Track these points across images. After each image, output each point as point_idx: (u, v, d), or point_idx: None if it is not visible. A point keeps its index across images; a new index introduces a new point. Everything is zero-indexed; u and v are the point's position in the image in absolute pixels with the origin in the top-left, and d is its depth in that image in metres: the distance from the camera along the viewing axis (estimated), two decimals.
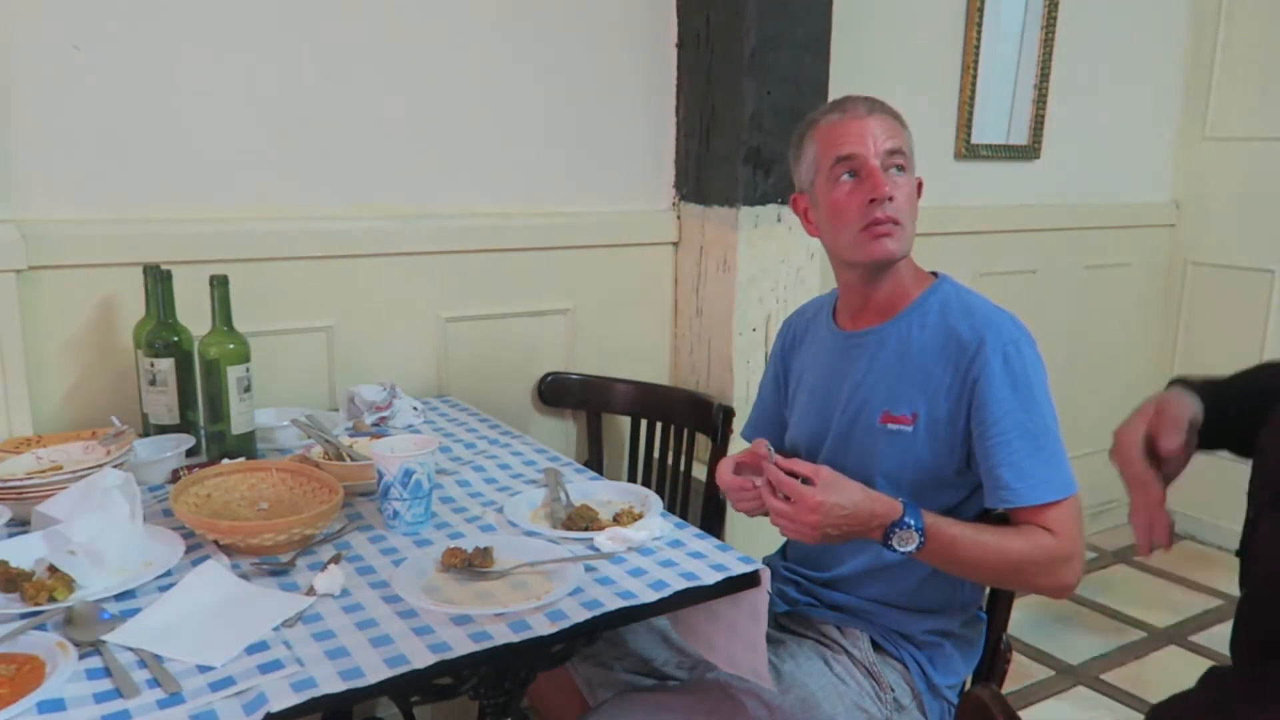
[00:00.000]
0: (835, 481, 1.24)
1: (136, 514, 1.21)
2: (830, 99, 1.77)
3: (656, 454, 2.10)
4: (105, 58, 1.66)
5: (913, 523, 1.24)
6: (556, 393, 2.21)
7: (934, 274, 1.45)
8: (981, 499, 1.33)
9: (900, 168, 1.36)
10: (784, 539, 1.64)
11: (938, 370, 1.35)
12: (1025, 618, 2.82)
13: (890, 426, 1.37)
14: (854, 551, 1.43)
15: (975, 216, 2.89)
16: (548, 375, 2.21)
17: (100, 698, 0.94)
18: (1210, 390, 1.12)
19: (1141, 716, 2.53)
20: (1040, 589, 1.31)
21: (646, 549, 1.30)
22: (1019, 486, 1.28)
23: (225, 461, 1.50)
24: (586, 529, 1.34)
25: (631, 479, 2.12)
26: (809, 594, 1.51)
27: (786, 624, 1.48)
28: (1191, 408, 1.09)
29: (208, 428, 1.61)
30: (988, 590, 1.50)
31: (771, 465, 1.27)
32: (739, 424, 1.99)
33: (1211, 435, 1.10)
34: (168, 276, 1.59)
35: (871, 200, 1.33)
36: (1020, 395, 1.29)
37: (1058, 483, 1.28)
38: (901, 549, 1.25)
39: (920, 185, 1.42)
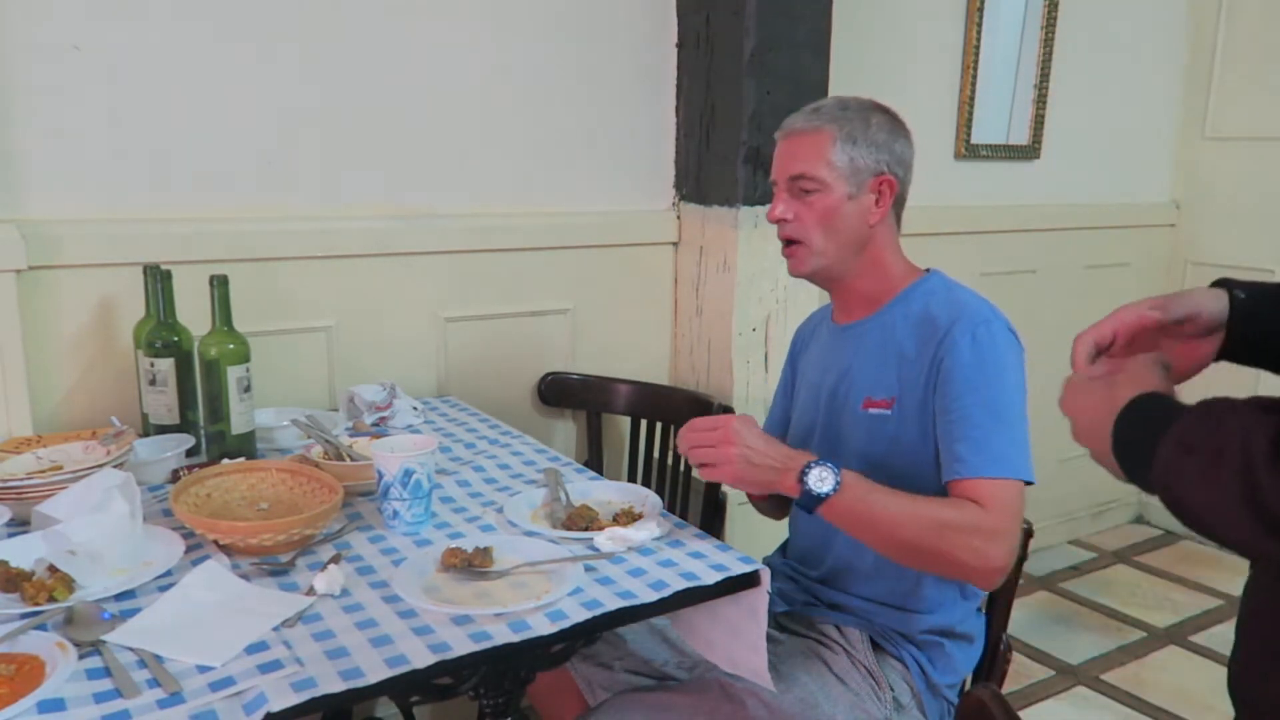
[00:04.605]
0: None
1: (136, 514, 1.21)
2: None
3: (656, 454, 2.10)
4: (105, 58, 1.66)
5: (830, 464, 1.25)
6: (556, 393, 2.21)
7: (926, 270, 1.46)
8: None
9: (807, 190, 1.40)
10: (783, 539, 1.64)
11: (913, 352, 1.37)
12: (1025, 618, 2.82)
13: (872, 411, 1.39)
14: (854, 545, 1.43)
15: (975, 216, 2.89)
16: (548, 375, 2.21)
17: (100, 698, 0.94)
18: (1258, 291, 0.93)
19: (1141, 716, 2.52)
20: (964, 565, 1.24)
21: (646, 549, 1.30)
22: (973, 460, 1.26)
23: (225, 461, 1.50)
24: (586, 529, 1.34)
25: (631, 479, 2.12)
26: (808, 592, 1.51)
27: (786, 624, 1.48)
28: (1204, 305, 0.93)
29: (208, 428, 1.61)
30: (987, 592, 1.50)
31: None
32: None
33: (1250, 345, 0.92)
34: (168, 276, 1.59)
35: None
36: (987, 373, 1.29)
37: (1012, 462, 1.25)
38: (818, 489, 1.23)
39: (850, 200, 1.39)
